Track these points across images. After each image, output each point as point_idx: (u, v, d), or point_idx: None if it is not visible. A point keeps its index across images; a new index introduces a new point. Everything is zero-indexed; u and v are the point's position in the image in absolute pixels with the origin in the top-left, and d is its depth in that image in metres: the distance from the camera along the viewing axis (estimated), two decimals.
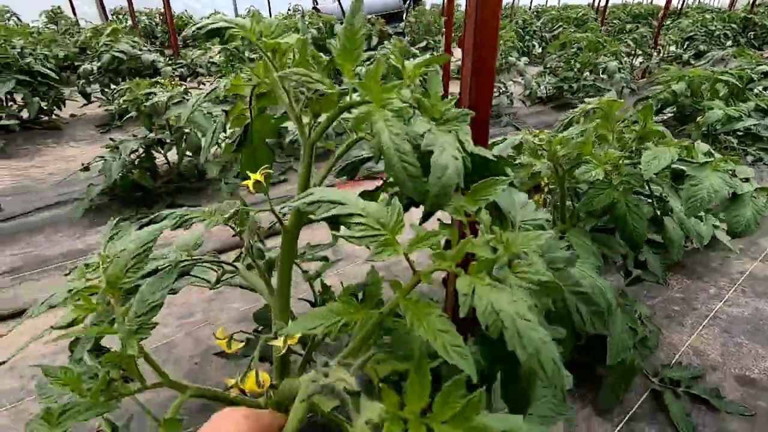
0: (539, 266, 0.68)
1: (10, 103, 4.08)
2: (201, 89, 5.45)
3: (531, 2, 14.96)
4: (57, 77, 4.14)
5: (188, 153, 2.81)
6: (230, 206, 0.77)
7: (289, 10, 12.27)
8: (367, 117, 0.61)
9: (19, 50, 3.90)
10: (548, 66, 5.39)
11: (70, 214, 2.57)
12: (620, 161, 1.23)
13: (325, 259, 0.94)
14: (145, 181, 2.67)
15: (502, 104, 4.87)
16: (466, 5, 0.90)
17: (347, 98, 0.67)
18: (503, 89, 4.84)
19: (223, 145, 3.26)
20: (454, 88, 5.28)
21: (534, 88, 4.95)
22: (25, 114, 4.05)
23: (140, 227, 0.72)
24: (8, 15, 8.76)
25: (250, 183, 0.68)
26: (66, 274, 0.71)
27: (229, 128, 0.89)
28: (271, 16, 13.03)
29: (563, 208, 1.44)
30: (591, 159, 1.18)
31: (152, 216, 0.79)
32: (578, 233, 1.26)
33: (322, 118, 0.70)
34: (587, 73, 5.03)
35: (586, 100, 1.58)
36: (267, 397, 0.71)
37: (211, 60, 5.63)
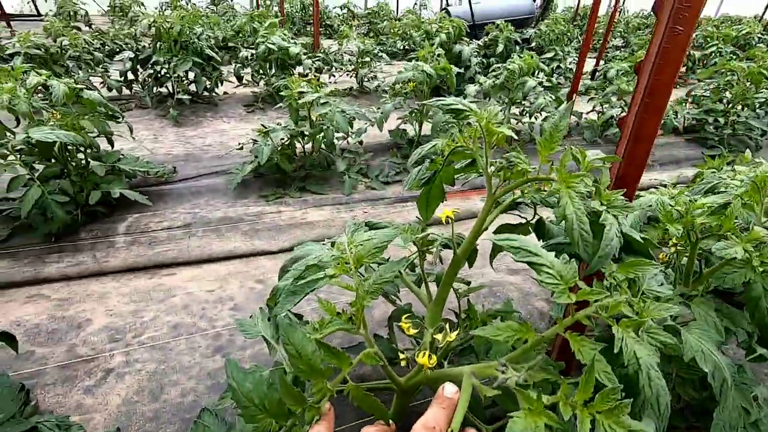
0: (662, 332, 0.84)
1: (184, 80, 4.89)
2: (335, 81, 5.95)
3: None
4: (220, 60, 4.87)
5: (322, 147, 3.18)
6: (418, 229, 1.00)
7: (415, 5, 12.56)
8: (556, 192, 0.81)
9: (197, 36, 4.65)
10: (692, 94, 4.91)
11: (225, 184, 3.10)
12: (764, 242, 1.21)
13: (468, 282, 1.13)
14: (285, 165, 3.09)
15: None
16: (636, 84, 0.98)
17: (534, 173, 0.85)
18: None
19: (351, 139, 3.59)
20: (581, 105, 5.07)
21: (669, 118, 4.56)
22: (192, 89, 4.84)
23: (369, 228, 0.99)
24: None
25: (443, 216, 0.99)
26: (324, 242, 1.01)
27: (426, 170, 1.07)
28: (398, 9, 13.41)
29: (689, 271, 1.44)
30: (732, 236, 1.19)
31: (375, 223, 1.05)
32: (703, 304, 1.28)
33: (510, 182, 0.90)
34: (739, 107, 4.49)
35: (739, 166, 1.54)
36: (408, 378, 0.92)
37: (344, 54, 6.09)
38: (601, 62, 6.58)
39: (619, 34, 10.74)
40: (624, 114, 0.99)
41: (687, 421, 1.50)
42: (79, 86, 2.41)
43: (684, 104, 4.90)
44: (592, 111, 4.82)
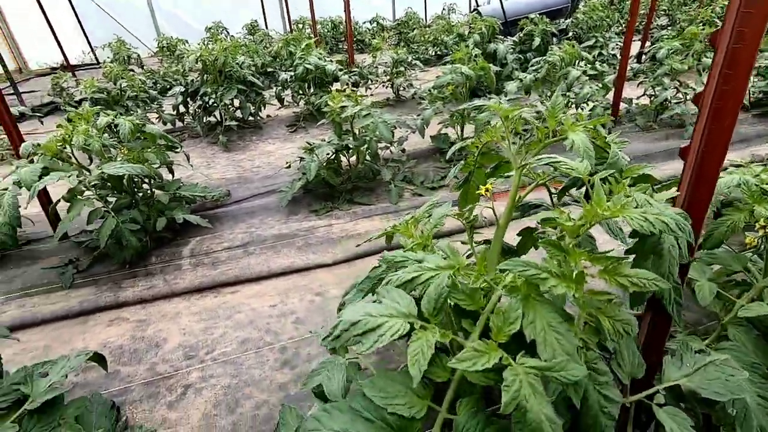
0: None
1: (230, 107, 5.15)
2: (372, 94, 6.05)
3: None
4: (262, 86, 5.09)
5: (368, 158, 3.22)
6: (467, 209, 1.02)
7: (444, 9, 12.54)
8: (565, 133, 0.97)
9: (240, 65, 4.89)
10: (758, 65, 4.52)
11: (276, 202, 3.20)
12: None
13: None
14: (332, 179, 3.16)
15: (687, 112, 4.28)
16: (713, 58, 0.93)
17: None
18: (688, 93, 4.25)
19: (394, 147, 3.61)
20: (629, 90, 4.81)
21: None
22: (238, 115, 5.08)
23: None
24: (221, 29, 10.91)
25: (482, 190, 1.13)
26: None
27: (458, 172, 1.15)
28: (426, 16, 13.47)
29: None
30: None
31: (433, 202, 1.16)
32: None
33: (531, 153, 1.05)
34: None
35: None
36: None
37: (378, 66, 6.18)
38: (647, 43, 6.24)
39: (663, 12, 10.15)
40: (700, 90, 0.93)
41: None
42: (141, 122, 2.60)
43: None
44: (643, 95, 4.56)
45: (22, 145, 2.33)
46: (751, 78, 4.52)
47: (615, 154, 0.97)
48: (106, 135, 2.62)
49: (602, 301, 0.72)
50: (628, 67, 5.46)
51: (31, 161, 2.30)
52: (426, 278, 0.72)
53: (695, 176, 0.97)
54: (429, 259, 0.77)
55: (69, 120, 2.53)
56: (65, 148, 2.36)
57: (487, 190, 1.16)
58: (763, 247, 1.44)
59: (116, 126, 2.52)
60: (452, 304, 0.71)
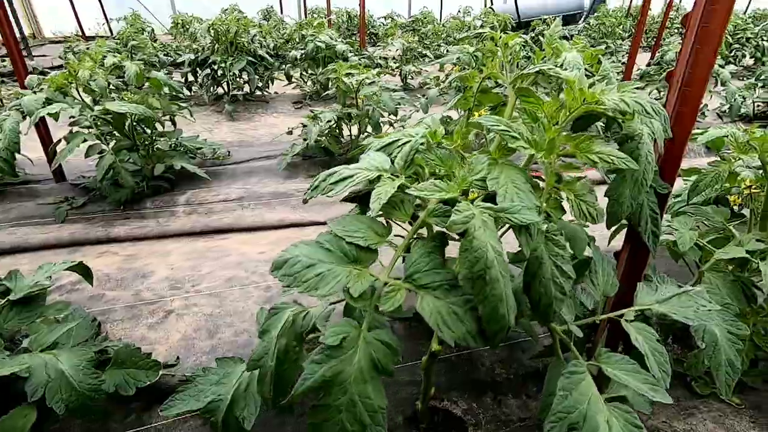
0: None
1: (238, 79, 5.18)
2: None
3: (748, 6, 12.52)
4: (272, 61, 5.12)
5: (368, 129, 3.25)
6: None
7: (459, 11, 12.59)
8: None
9: (251, 38, 4.93)
10: (763, 78, 4.56)
11: (275, 165, 3.22)
12: None
13: None
14: (332, 147, 3.18)
15: None
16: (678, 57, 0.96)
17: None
18: None
19: (396, 125, 3.63)
20: None
21: (737, 102, 4.25)
22: (245, 88, 5.12)
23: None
24: (236, 12, 10.98)
25: (476, 115, 1.07)
26: None
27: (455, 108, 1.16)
28: (441, 15, 13.53)
29: (766, 212, 1.33)
30: None
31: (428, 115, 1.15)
32: None
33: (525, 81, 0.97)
34: None
35: None
36: None
37: (385, 57, 6.22)
38: (657, 54, 6.27)
39: (676, 30, 10.21)
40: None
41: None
42: (146, 68, 2.62)
43: (753, 89, 4.55)
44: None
45: (28, 77, 2.35)
46: (756, 90, 4.55)
47: (605, 68, 0.99)
48: (112, 77, 2.64)
49: (572, 179, 0.73)
50: (639, 72, 5.47)
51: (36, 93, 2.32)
52: (404, 141, 0.74)
53: (680, 100, 0.99)
54: (411, 129, 0.78)
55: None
56: (71, 83, 2.38)
57: (480, 116, 1.19)
58: (748, 206, 1.46)
59: (122, 69, 2.55)
60: (430, 172, 0.73)
